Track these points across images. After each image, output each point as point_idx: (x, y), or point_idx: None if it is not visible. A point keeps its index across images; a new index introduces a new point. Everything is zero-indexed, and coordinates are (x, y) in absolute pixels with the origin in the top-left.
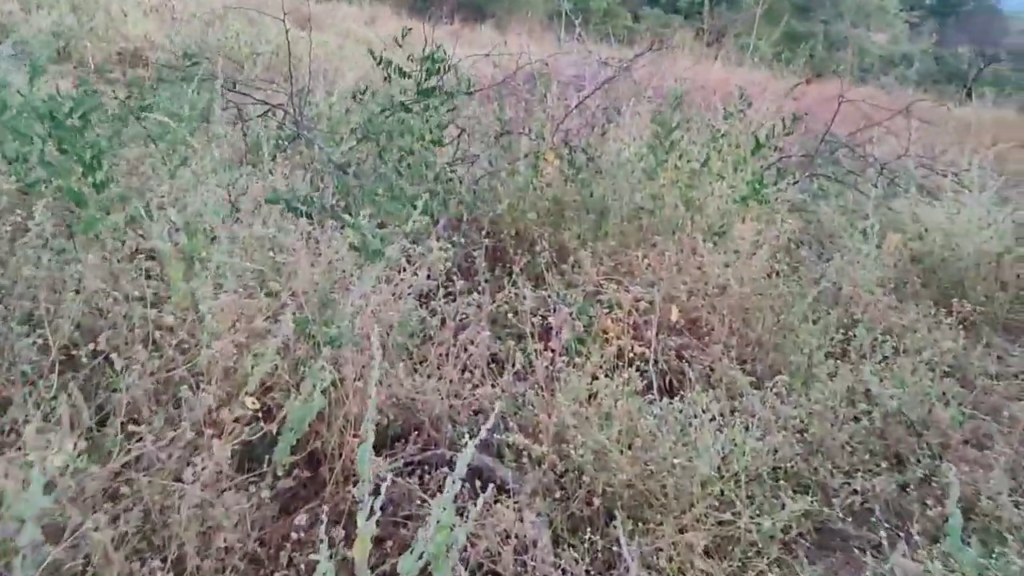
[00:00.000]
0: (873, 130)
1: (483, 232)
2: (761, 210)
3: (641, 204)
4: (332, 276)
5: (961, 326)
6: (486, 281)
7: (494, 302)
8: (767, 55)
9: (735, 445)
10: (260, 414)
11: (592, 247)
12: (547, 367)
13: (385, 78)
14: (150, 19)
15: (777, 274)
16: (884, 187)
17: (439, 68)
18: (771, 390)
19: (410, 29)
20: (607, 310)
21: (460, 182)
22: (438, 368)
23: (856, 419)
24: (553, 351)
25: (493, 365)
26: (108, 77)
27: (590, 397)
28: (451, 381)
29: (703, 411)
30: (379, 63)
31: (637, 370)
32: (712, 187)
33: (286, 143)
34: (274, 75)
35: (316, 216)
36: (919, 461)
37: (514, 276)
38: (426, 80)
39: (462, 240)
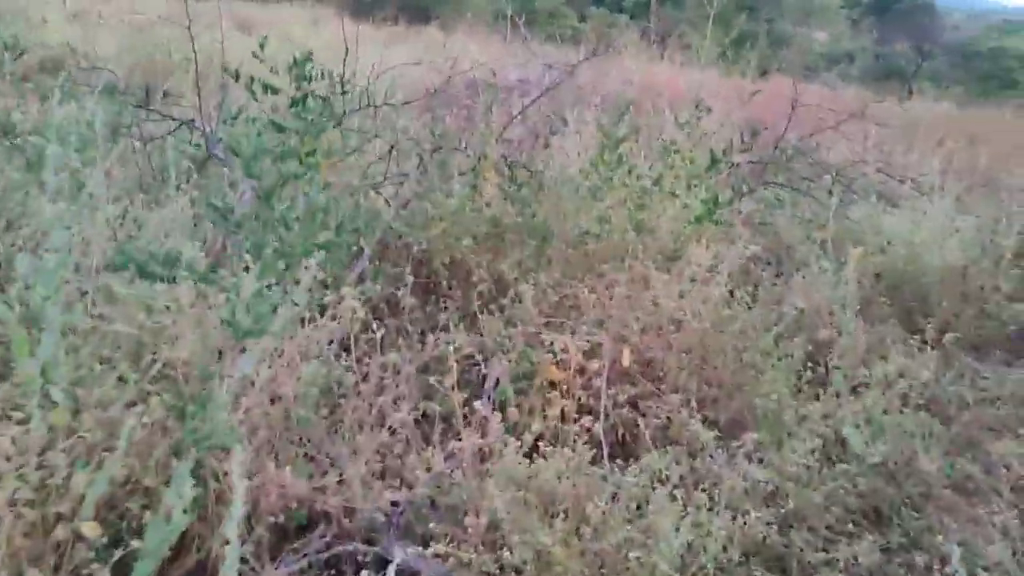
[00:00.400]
0: (825, 133)
1: (413, 262)
2: (717, 230)
3: (587, 228)
4: (212, 343)
5: (930, 348)
6: (411, 324)
7: (423, 347)
8: (713, 55)
9: (700, 529)
10: (108, 539)
11: (534, 278)
12: (477, 442)
13: (251, 95)
14: (74, 26)
15: (737, 303)
16: (841, 195)
17: (310, 77)
18: (739, 449)
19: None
20: (551, 355)
21: (388, 204)
22: (353, 437)
23: (834, 477)
24: (485, 419)
25: (423, 422)
26: (23, 88)
27: (529, 477)
28: (366, 462)
29: (661, 480)
30: (236, 79)
31: (587, 430)
32: (664, 207)
33: (194, 168)
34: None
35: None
36: (901, 522)
37: (447, 315)
38: (299, 92)
39: (386, 273)
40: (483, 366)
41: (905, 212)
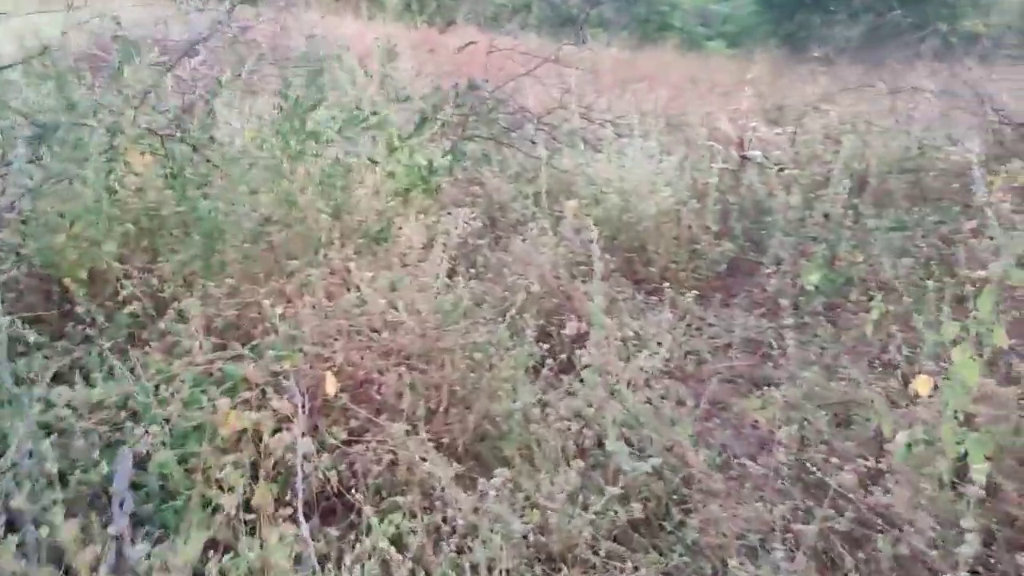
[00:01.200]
0: (522, 81)
1: (35, 281)
2: (427, 198)
3: (269, 215)
4: None
5: (656, 298)
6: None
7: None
8: (398, 7)
9: None
10: None
11: (203, 286)
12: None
13: None
14: None
15: (458, 287)
16: (547, 144)
17: None
18: (491, 492)
19: None
20: (227, 394)
21: None
22: None
23: (602, 512)
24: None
25: None
26: None
27: None
28: None
29: (387, 558)
30: None
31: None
32: (364, 179)
33: None
34: None
35: None
36: (676, 531)
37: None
38: None
39: None
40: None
41: (612, 157)
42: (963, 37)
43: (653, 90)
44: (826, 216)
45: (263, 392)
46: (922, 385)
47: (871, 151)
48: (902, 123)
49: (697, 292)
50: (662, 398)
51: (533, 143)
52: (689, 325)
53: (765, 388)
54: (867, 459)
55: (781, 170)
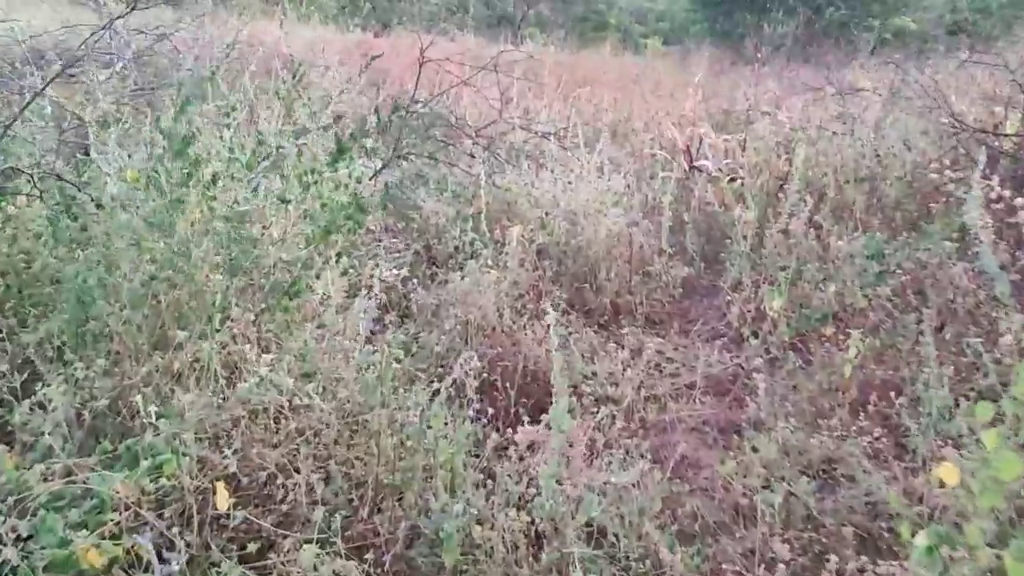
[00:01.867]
0: (460, 88)
1: None
2: (348, 240)
3: (154, 273)
4: None
5: (608, 333)
6: None
7: None
8: (331, 10)
9: None
10: None
11: (72, 366)
12: None
13: None
14: None
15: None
16: (486, 160)
17: None
18: None
19: None
20: (92, 516)
21: None
22: None
23: None
24: None
25: None
26: None
27: None
28: None
29: None
30: None
31: None
32: (272, 223)
33: None
34: None
35: None
36: None
37: None
38: None
39: None
40: None
41: (557, 175)
42: (895, 33)
43: (596, 94)
44: (785, 232)
45: (136, 513)
46: (948, 474)
47: (825, 159)
48: (853, 128)
49: (653, 320)
50: (624, 465)
51: (472, 156)
52: (648, 362)
53: (736, 437)
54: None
55: (732, 180)
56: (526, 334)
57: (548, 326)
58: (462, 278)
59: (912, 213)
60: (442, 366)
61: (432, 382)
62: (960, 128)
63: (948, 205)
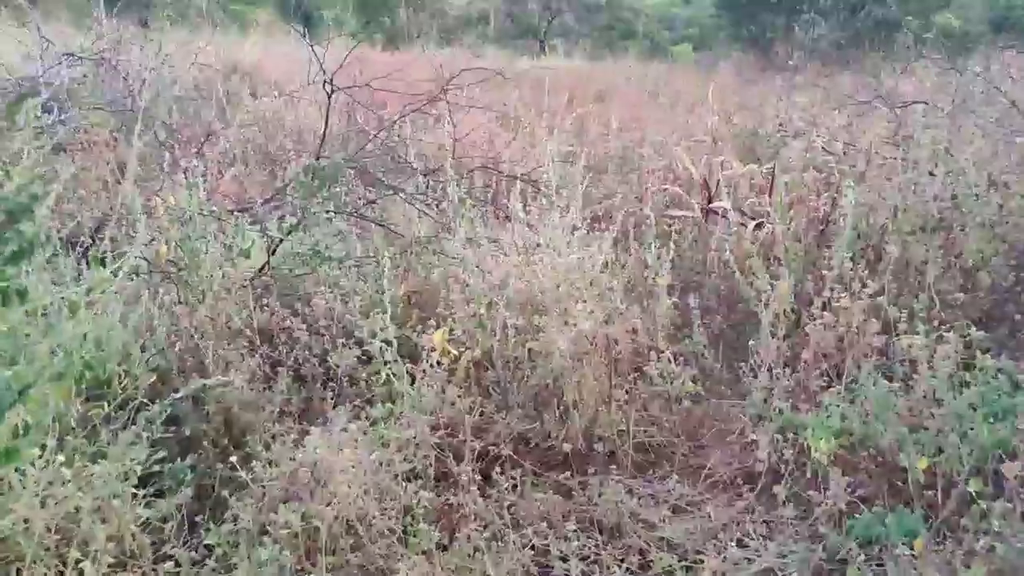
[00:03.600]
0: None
1: None
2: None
3: None
4: None
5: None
6: None
7: None
8: (353, 27)
9: None
10: None
11: None
12: None
13: None
14: None
15: None
16: (433, 210)
17: None
18: None
19: None
20: None
21: None
22: None
23: None
24: None
25: None
26: None
27: None
28: None
29: None
30: None
31: None
32: None
33: None
34: None
35: None
36: None
37: None
38: None
39: None
40: None
41: (516, 236)
42: (939, 32)
43: (609, 111)
44: (831, 321)
45: None
46: None
47: (879, 197)
48: (910, 151)
49: (644, 455)
50: None
51: (422, 193)
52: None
53: None
54: None
55: (759, 226)
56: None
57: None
58: (315, 449)
59: (1008, 278)
60: None
61: None
62: None
63: None
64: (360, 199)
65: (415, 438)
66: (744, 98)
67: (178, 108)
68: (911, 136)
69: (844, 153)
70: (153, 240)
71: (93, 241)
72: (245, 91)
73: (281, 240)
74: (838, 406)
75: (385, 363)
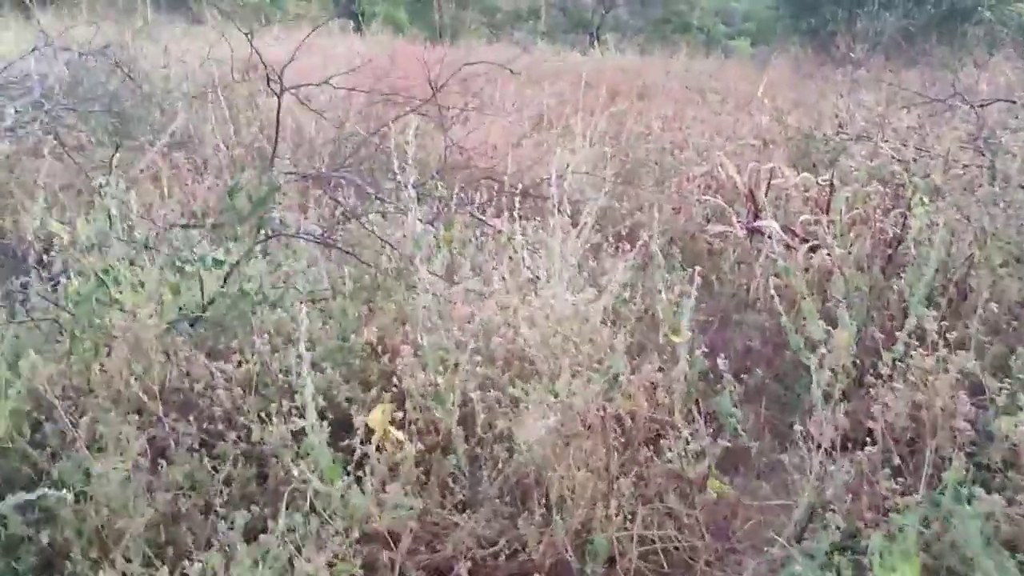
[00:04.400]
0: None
1: None
2: None
3: None
4: None
5: None
6: None
7: None
8: (403, 22)
9: None
10: None
11: None
12: None
13: None
14: None
15: None
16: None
17: None
18: None
19: None
20: None
21: None
22: None
23: None
24: None
25: None
26: None
27: None
28: None
29: None
30: None
31: None
32: None
33: None
34: None
35: None
36: None
37: None
38: None
39: None
40: None
41: (509, 271)
42: (1012, 24)
43: (653, 108)
44: (896, 363)
45: None
46: None
47: (961, 219)
48: (996, 161)
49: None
50: None
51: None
52: None
53: None
54: None
55: (813, 249)
56: None
57: None
58: None
59: None
60: None
61: None
62: None
63: None
64: (335, 216)
65: (338, 558)
66: (800, 94)
67: (181, 108)
68: (995, 140)
69: (914, 160)
70: (64, 274)
71: None
72: (259, 89)
73: (237, 262)
74: (915, 526)
75: (298, 456)
